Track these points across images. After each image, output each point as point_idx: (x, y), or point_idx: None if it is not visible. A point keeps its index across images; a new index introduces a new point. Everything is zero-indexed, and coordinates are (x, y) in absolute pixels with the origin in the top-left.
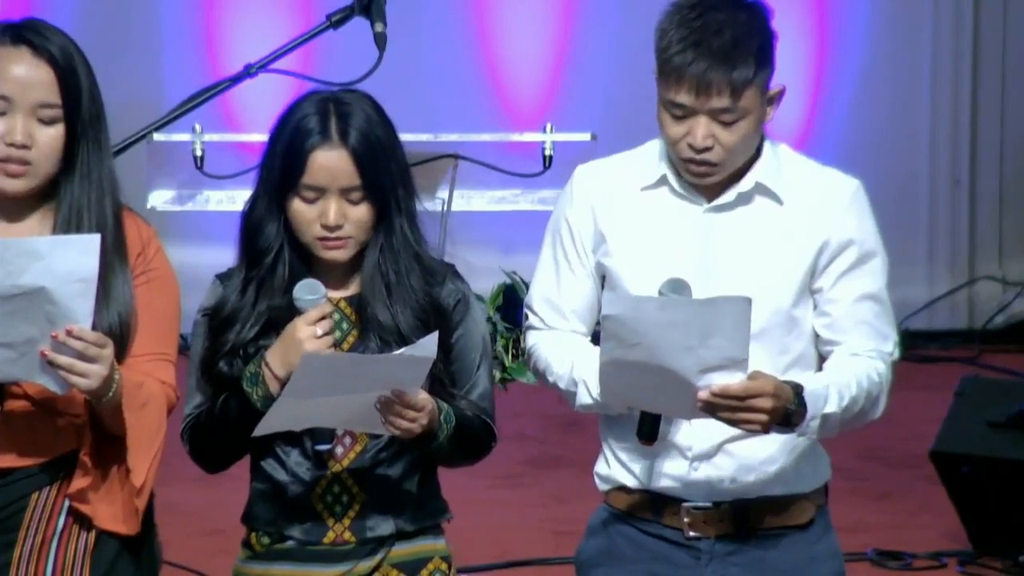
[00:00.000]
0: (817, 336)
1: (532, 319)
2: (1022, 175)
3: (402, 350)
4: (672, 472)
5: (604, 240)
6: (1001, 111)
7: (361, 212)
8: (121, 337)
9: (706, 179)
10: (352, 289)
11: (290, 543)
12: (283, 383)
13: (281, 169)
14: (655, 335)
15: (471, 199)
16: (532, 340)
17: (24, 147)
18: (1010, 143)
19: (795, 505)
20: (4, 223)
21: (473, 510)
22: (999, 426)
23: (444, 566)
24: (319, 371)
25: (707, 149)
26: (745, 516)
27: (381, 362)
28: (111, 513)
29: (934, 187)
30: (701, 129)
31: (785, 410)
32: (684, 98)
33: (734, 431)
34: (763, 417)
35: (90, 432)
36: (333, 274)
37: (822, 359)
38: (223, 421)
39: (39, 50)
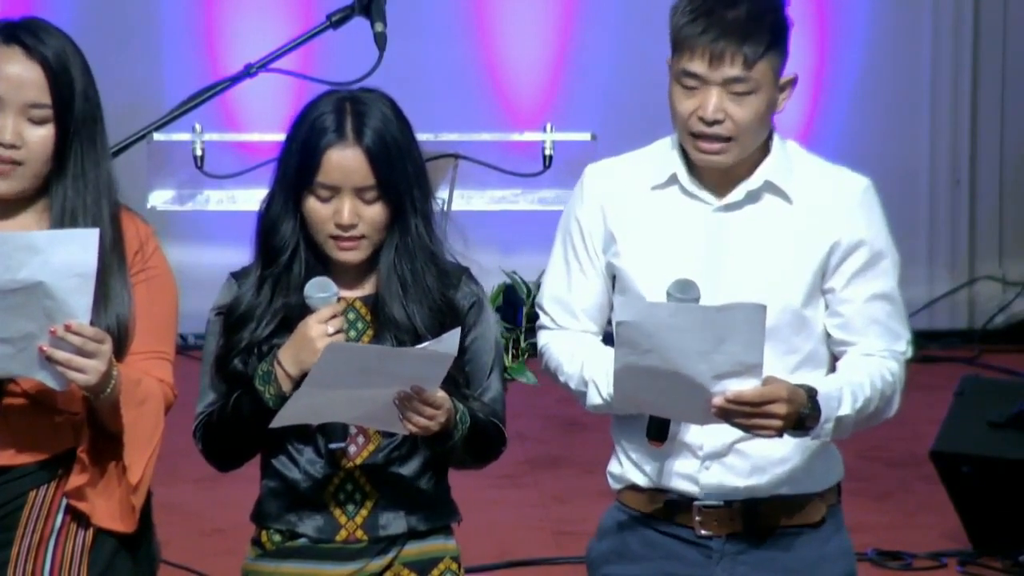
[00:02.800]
0: (829, 336)
1: (543, 318)
2: (1022, 175)
3: (424, 344)
4: (683, 471)
5: (614, 240)
6: (1001, 111)
7: (375, 212)
8: (119, 338)
9: (716, 158)
10: (368, 289)
11: (302, 541)
12: (295, 382)
13: (296, 167)
14: (669, 341)
15: (471, 199)
16: (544, 340)
17: (13, 147)
18: (1010, 143)
19: (807, 504)
20: None
21: (473, 510)
22: (999, 426)
23: (455, 566)
24: (340, 362)
25: (717, 122)
26: (756, 515)
27: (402, 356)
28: (108, 511)
29: (934, 187)
30: (713, 99)
31: (799, 414)
32: (697, 67)
33: (732, 427)
34: (777, 423)
35: (88, 429)
36: (348, 273)
37: (835, 359)
38: (235, 419)
39: (31, 50)
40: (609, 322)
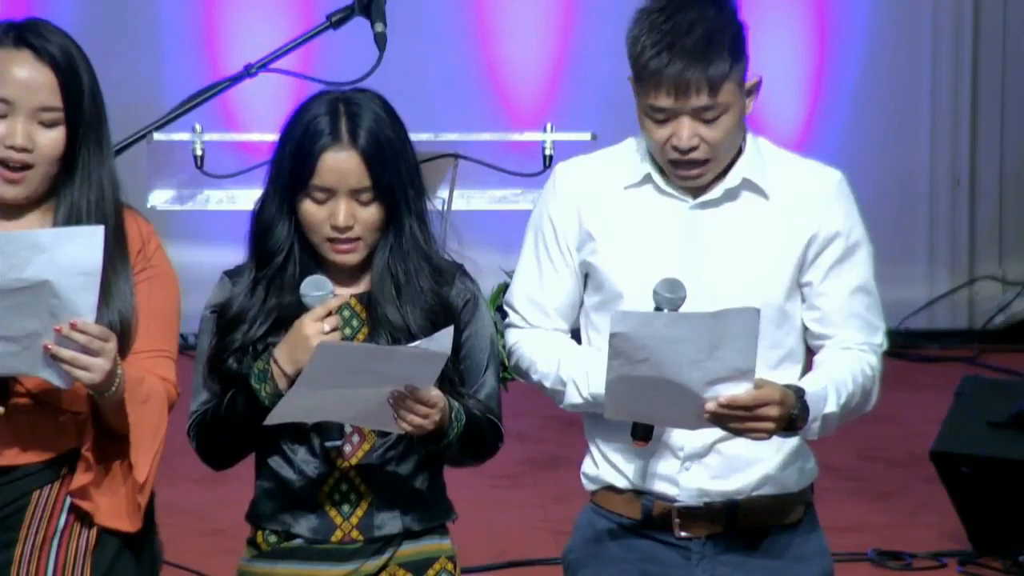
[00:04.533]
0: (806, 329)
1: (513, 317)
2: (1022, 175)
3: (417, 343)
4: (663, 472)
5: (590, 238)
6: (1001, 111)
7: (371, 213)
8: (122, 336)
9: (697, 181)
10: (363, 286)
11: (297, 541)
12: (291, 380)
13: (291, 170)
14: (663, 351)
15: (471, 199)
16: (514, 338)
17: (24, 150)
18: (1010, 143)
19: (784, 505)
20: (2, 221)
21: (473, 510)
22: (999, 426)
23: (450, 566)
24: (333, 361)
25: (693, 148)
26: (735, 516)
27: (396, 355)
28: (113, 510)
29: (934, 187)
30: (685, 130)
31: (790, 415)
32: (664, 101)
33: (726, 431)
34: (770, 425)
35: (92, 428)
36: (343, 271)
37: (810, 352)
38: (230, 418)
39: (41, 53)
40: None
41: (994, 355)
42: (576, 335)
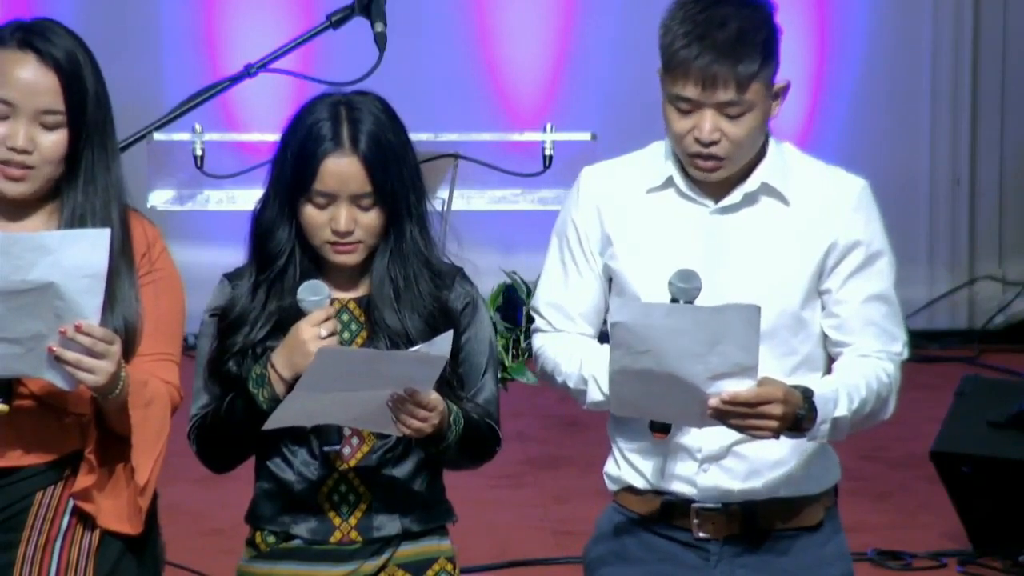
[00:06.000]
0: (826, 337)
1: (539, 322)
2: (1022, 175)
3: (417, 347)
4: (681, 473)
5: (611, 243)
6: (1001, 111)
7: (371, 218)
8: (127, 340)
9: (713, 175)
10: (362, 290)
11: (296, 542)
12: (288, 385)
13: (292, 174)
14: (664, 342)
15: (471, 199)
16: (539, 342)
17: (25, 152)
18: (1010, 143)
19: (804, 507)
20: (8, 223)
21: (473, 510)
22: (999, 426)
23: (449, 567)
24: (333, 365)
25: (714, 143)
26: (754, 518)
27: (395, 359)
28: (115, 512)
29: (934, 187)
30: (708, 122)
31: (795, 415)
32: (690, 92)
33: (729, 428)
34: (774, 424)
35: (95, 430)
36: (343, 275)
37: (831, 360)
38: (230, 422)
39: (45, 56)
40: (605, 322)
41: (994, 355)
42: (604, 339)
